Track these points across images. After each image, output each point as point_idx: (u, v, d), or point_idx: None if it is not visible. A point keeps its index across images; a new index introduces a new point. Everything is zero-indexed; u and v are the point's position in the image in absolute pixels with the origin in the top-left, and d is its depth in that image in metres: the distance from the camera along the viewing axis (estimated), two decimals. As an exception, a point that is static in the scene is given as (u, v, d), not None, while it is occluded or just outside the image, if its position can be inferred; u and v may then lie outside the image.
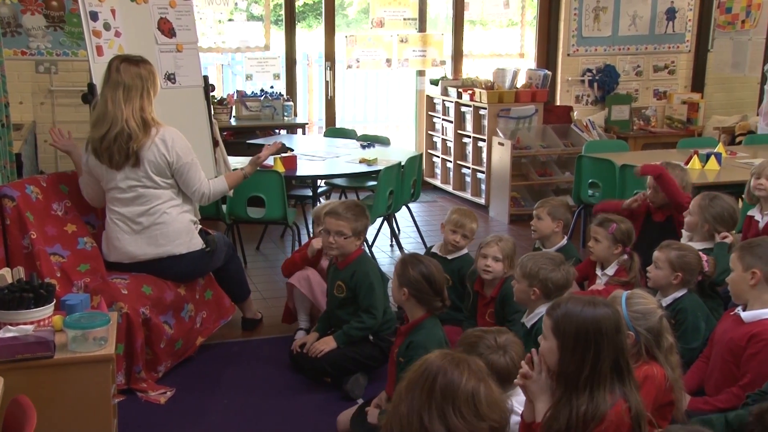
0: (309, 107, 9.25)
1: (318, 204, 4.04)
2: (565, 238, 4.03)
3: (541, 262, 3.02)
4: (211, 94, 5.73)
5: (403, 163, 5.23)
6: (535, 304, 2.99)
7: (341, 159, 5.45)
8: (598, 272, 3.79)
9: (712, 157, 5.00)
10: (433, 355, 1.71)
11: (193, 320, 3.84)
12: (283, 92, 7.24)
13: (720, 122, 7.58)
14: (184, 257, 3.72)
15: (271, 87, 7.21)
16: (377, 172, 5.00)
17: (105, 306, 3.21)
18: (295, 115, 7.23)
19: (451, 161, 7.46)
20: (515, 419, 2.30)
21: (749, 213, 4.17)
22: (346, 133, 6.63)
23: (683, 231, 3.89)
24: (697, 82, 7.99)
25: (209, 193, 3.78)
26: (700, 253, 3.35)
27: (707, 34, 7.87)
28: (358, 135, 6.47)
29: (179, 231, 3.69)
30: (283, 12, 7.22)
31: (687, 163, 5.00)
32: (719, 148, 5.45)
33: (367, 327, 3.53)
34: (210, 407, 3.40)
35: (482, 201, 7.07)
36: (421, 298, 2.91)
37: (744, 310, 2.86)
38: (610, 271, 3.69)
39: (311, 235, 4.20)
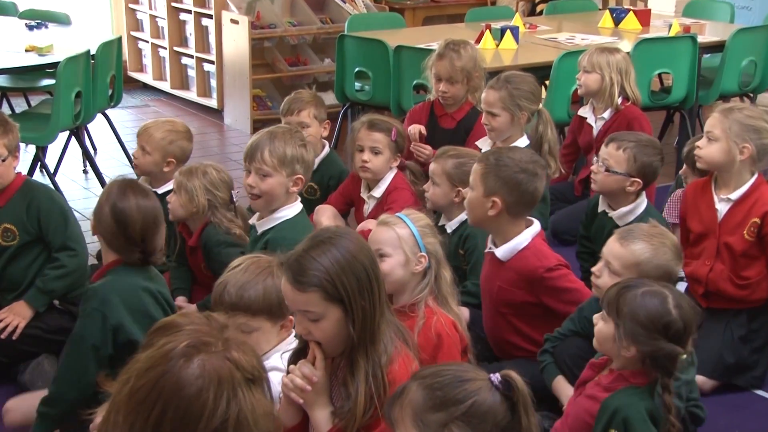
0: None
1: None
2: (327, 146, 4.24)
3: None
4: None
5: (93, 52, 5.08)
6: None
7: (-3, 47, 5.24)
8: (364, 195, 3.93)
9: (508, 33, 5.28)
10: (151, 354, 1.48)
11: None
12: None
13: (516, -14, 8.02)
14: None
15: None
16: (55, 65, 4.82)
17: None
18: None
19: (165, 48, 7.35)
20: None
21: (580, 113, 4.46)
22: (1, 8, 6.30)
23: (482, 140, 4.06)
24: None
25: None
26: None
27: None
28: (21, 11, 6.20)
29: None
30: None
31: (478, 41, 5.23)
32: (516, 20, 5.75)
33: (70, 270, 3.51)
34: None
35: (214, 103, 7.04)
36: (111, 241, 2.98)
37: (495, 245, 3.06)
38: (378, 192, 3.86)
39: None
